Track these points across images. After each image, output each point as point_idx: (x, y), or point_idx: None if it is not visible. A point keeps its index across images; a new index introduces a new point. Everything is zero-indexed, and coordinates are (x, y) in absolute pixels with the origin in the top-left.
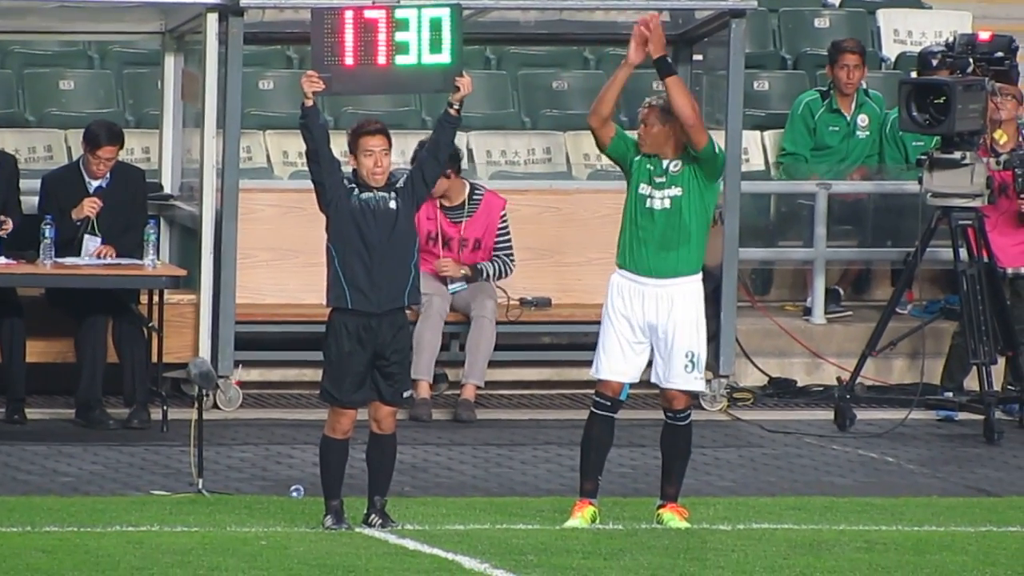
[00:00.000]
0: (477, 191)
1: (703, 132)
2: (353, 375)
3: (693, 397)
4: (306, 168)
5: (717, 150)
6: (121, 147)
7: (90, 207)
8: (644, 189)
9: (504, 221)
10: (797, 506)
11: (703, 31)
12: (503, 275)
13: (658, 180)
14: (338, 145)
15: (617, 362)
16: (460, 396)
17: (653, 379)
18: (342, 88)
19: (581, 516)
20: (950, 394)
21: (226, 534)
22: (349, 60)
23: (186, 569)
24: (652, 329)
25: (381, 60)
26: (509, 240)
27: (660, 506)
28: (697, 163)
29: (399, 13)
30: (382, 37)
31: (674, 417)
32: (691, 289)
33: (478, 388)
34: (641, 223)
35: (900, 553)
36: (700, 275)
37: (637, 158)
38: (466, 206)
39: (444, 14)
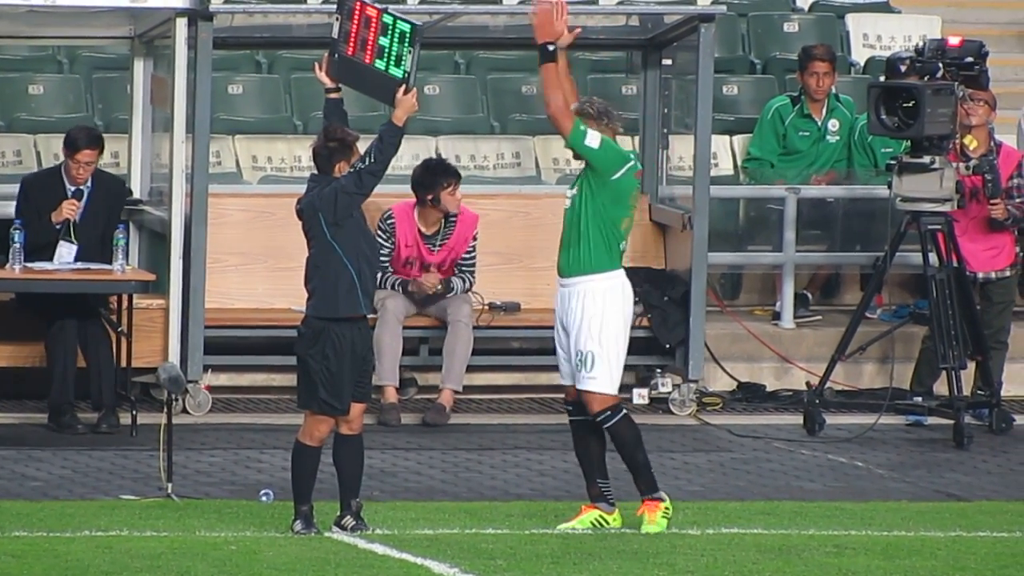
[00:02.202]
0: (451, 215)
1: (564, 120)
2: (349, 383)
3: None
4: (275, 173)
5: (583, 143)
6: (101, 152)
7: (69, 209)
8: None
9: (475, 239)
10: (767, 511)
11: (672, 36)
12: (467, 291)
13: (572, 179)
14: (307, 150)
15: (561, 365)
16: (436, 400)
17: None
18: (336, 72)
19: (579, 520)
20: (919, 399)
21: (196, 539)
22: (351, 48)
23: (156, 574)
24: (566, 329)
25: (367, 58)
26: (474, 257)
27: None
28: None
29: (385, 17)
30: (372, 36)
31: (592, 420)
32: (591, 288)
33: (456, 393)
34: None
35: (870, 558)
36: (609, 274)
37: None
38: (441, 231)
39: (407, 29)
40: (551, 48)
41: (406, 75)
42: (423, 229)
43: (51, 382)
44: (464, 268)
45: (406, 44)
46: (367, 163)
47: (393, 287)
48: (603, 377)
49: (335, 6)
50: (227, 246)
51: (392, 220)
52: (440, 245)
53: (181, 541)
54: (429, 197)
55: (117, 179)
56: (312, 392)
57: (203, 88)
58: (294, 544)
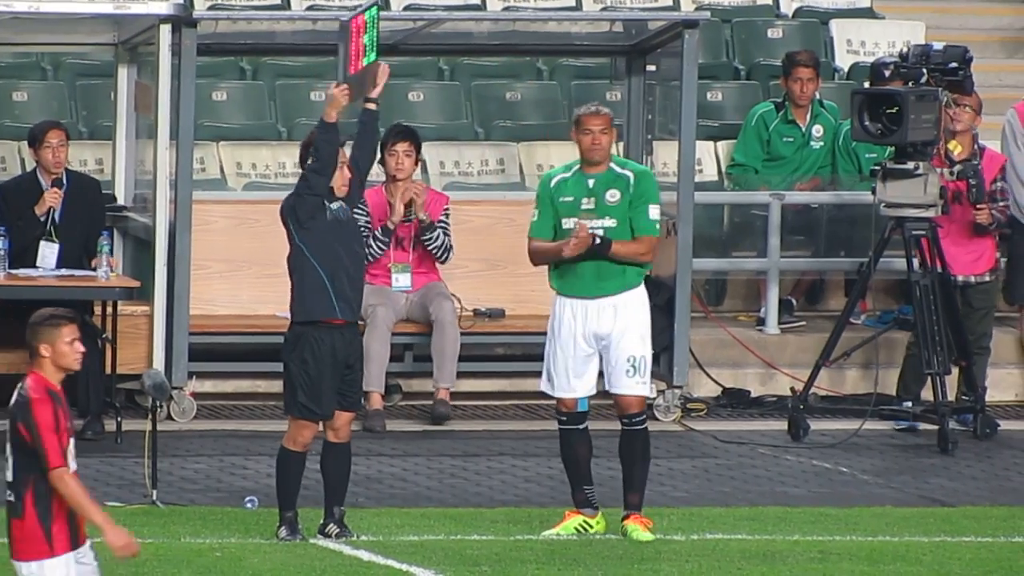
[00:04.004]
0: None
1: (652, 251)
2: (329, 388)
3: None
4: (260, 180)
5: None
6: (67, 136)
7: (52, 198)
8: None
9: (446, 213)
10: (751, 516)
11: (656, 42)
12: (447, 252)
13: (587, 207)
14: (291, 156)
15: (569, 379)
16: (435, 398)
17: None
18: (356, 94)
19: (563, 526)
20: (908, 404)
21: (180, 545)
22: (352, 67)
23: None
24: (598, 339)
25: (360, 63)
26: (448, 227)
27: (624, 517)
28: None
29: (365, 15)
30: (361, 40)
31: (629, 421)
32: (631, 298)
33: (450, 391)
34: None
35: (854, 563)
36: (642, 285)
37: (553, 185)
38: (413, 204)
39: (374, 12)
40: (599, 241)
41: (377, 56)
42: (394, 201)
43: None
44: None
45: (375, 27)
46: (311, 163)
47: (376, 242)
48: (648, 381)
49: (338, 31)
50: (211, 252)
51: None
52: (411, 218)
53: (166, 548)
54: (378, 157)
55: (91, 179)
56: (293, 396)
57: (187, 95)
58: (279, 551)
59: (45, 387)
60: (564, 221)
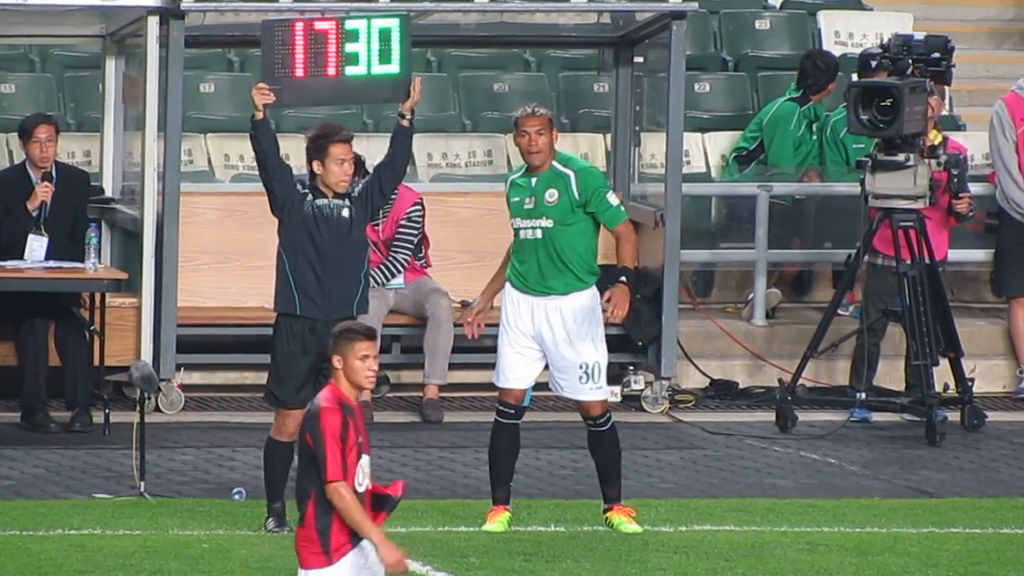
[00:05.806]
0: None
1: (632, 231)
2: (295, 377)
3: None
4: (247, 172)
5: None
6: (57, 130)
7: (43, 192)
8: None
9: (409, 214)
10: (739, 508)
11: (644, 33)
12: (395, 275)
13: (528, 207)
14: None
15: (515, 370)
16: (424, 397)
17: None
18: (292, 100)
19: (499, 521)
20: (862, 395)
21: (168, 537)
22: (299, 71)
23: (128, 572)
24: (546, 337)
25: (331, 71)
26: (411, 236)
27: (606, 510)
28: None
29: (349, 24)
30: (332, 48)
31: (593, 424)
32: (580, 300)
33: (440, 387)
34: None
35: (842, 554)
36: (594, 286)
37: (508, 185)
38: (380, 210)
39: (393, 24)
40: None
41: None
42: None
43: (23, 381)
44: (396, 245)
45: (400, 38)
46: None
47: None
48: (604, 385)
49: (262, 31)
50: (199, 244)
51: None
52: (381, 222)
53: (154, 540)
54: None
55: (80, 171)
56: (267, 383)
57: (175, 86)
58: (267, 542)
59: (339, 398)
60: (512, 221)
